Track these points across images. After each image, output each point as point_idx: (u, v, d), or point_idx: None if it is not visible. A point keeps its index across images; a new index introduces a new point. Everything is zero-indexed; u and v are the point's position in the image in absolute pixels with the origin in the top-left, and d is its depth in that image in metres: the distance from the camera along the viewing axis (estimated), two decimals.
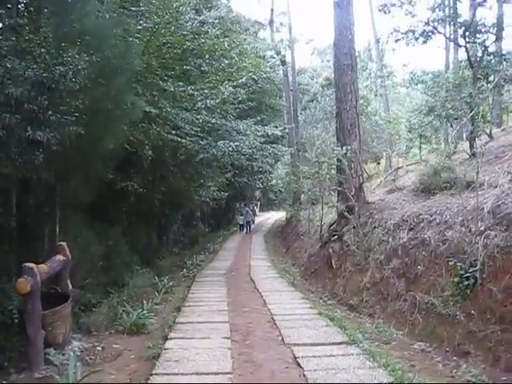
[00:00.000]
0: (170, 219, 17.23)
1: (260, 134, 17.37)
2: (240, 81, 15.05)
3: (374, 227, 9.98)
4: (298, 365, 5.24)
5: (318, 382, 4.69)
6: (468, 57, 12.12)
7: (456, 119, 12.67)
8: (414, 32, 12.93)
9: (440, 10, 12.98)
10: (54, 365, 5.33)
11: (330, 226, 12.75)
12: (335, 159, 12.54)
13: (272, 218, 39.68)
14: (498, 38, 12.68)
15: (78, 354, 5.88)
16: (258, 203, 47.45)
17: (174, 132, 11.96)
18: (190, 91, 11.75)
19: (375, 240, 9.52)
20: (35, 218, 7.59)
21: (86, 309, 7.79)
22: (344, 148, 11.35)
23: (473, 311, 5.81)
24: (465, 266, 6.27)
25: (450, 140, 15.55)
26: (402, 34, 13.20)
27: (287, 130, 24.72)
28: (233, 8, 24.17)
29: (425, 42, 13.06)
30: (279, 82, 28.59)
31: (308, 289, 11.01)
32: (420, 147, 17.98)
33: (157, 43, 10.85)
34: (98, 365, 5.63)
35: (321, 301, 9.38)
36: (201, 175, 17.05)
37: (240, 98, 16.10)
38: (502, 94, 14.91)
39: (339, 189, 12.36)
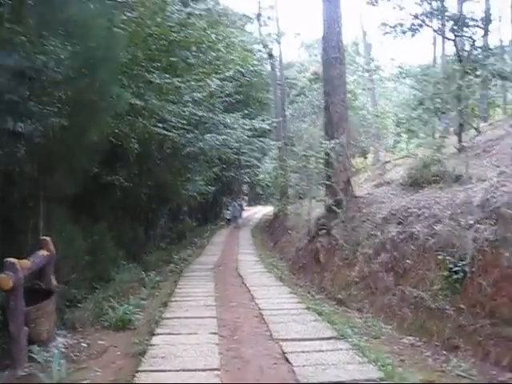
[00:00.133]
0: (157, 214, 17.03)
1: (247, 127, 17.35)
2: (227, 74, 14.96)
3: (363, 221, 9.94)
4: (287, 360, 5.17)
5: (307, 377, 4.63)
6: (456, 50, 12.17)
7: (444, 113, 12.69)
8: (402, 25, 12.94)
9: (428, 4, 12.99)
10: (38, 362, 5.20)
11: (318, 220, 12.68)
12: (323, 153, 12.46)
13: (259, 212, 39.61)
14: (486, 32, 12.73)
15: (63, 350, 5.74)
16: (246, 197, 47.36)
17: (160, 125, 11.80)
18: (177, 83, 11.58)
19: (363, 234, 9.47)
20: (18, 212, 7.41)
21: (70, 304, 7.63)
22: (332, 142, 11.31)
23: (462, 305, 5.78)
24: (454, 260, 6.24)
25: (438, 134, 15.60)
26: (391, 27, 13.22)
27: (275, 124, 24.60)
28: (220, 1, 23.95)
29: (413, 36, 13.09)
30: (267, 75, 28.54)
31: (296, 283, 10.93)
32: (407, 142, 18.04)
33: (143, 34, 10.66)
34: (83, 362, 5.53)
35: (309, 295, 9.30)
36: (188, 169, 16.95)
37: (227, 92, 16.02)
38: (490, 89, 14.99)
39: (327, 183, 12.28)
